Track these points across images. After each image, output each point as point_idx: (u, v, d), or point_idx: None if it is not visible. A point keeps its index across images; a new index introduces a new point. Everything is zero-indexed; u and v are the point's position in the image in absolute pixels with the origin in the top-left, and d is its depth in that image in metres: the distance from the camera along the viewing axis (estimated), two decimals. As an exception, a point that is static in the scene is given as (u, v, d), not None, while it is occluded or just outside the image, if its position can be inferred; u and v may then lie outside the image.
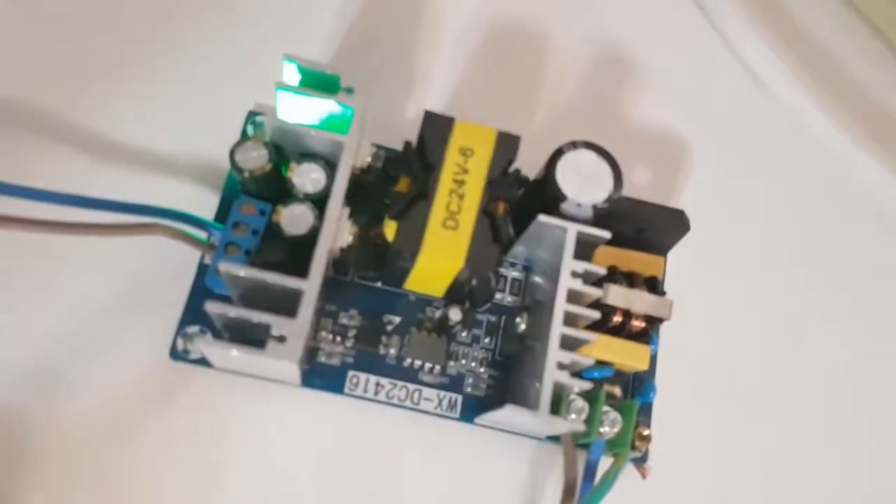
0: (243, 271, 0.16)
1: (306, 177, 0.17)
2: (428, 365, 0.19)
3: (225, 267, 0.16)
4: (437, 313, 0.20)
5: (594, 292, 0.17)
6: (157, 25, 0.22)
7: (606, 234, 0.18)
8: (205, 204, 0.20)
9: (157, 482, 0.18)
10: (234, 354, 0.16)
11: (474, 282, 0.19)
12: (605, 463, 0.18)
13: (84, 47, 0.22)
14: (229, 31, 0.23)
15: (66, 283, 0.19)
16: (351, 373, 0.19)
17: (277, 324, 0.15)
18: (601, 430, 0.17)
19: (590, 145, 0.18)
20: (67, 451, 0.18)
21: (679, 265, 0.21)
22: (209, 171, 0.20)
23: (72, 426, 0.18)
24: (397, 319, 0.20)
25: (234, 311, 0.16)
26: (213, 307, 0.16)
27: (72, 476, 0.18)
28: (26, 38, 0.21)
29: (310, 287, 0.16)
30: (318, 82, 0.17)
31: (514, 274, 0.21)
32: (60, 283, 0.19)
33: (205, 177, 0.21)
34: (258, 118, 0.20)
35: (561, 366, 0.17)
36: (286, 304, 0.16)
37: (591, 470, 0.18)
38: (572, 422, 0.17)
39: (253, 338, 0.16)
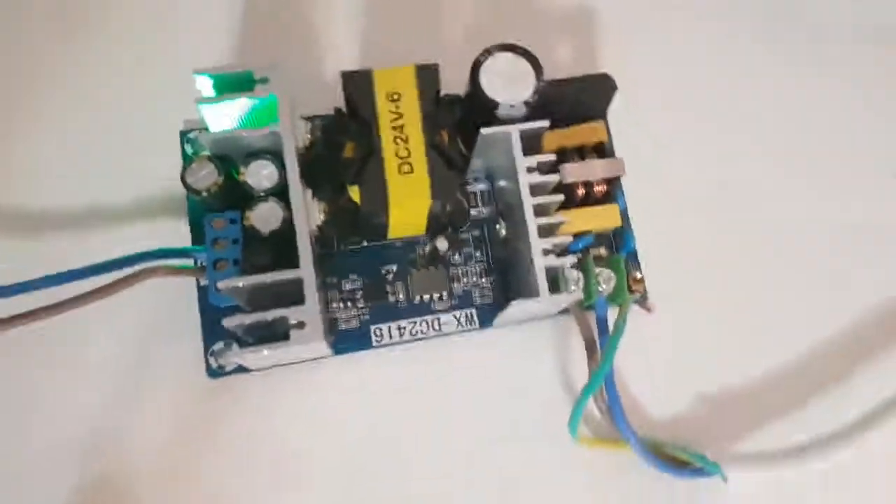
0: (241, 282, 0.17)
1: (258, 175, 0.18)
2: (436, 295, 0.21)
3: (223, 284, 0.17)
4: (427, 248, 0.21)
5: (553, 178, 0.19)
6: (46, 81, 0.22)
7: (545, 124, 0.19)
8: (177, 233, 0.20)
9: (244, 491, 0.20)
10: (266, 354, 0.17)
11: (448, 208, 0.20)
12: (613, 314, 0.20)
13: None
14: (125, 61, 0.22)
15: (83, 357, 0.20)
16: (373, 327, 0.20)
17: (292, 313, 0.16)
18: (599, 289, 0.19)
19: (503, 47, 0.19)
20: (157, 494, 0.19)
21: (619, 121, 0.22)
22: (167, 202, 0.21)
23: (151, 473, 0.19)
24: (394, 267, 0.21)
25: (249, 318, 0.17)
26: (230, 322, 0.17)
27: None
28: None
29: (306, 272, 0.17)
30: (233, 84, 0.17)
31: (480, 187, 0.22)
32: (79, 358, 0.20)
33: (165, 208, 0.21)
34: (191, 135, 0.20)
35: (546, 252, 0.18)
36: (291, 292, 0.17)
37: (602, 324, 0.20)
38: (573, 293, 0.18)
39: (275, 332, 0.17)
